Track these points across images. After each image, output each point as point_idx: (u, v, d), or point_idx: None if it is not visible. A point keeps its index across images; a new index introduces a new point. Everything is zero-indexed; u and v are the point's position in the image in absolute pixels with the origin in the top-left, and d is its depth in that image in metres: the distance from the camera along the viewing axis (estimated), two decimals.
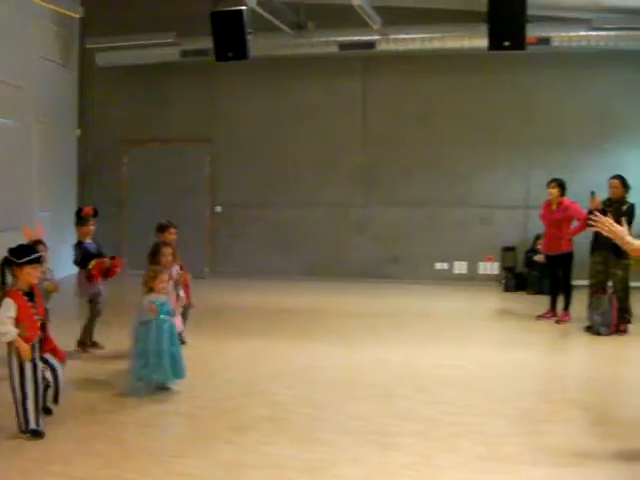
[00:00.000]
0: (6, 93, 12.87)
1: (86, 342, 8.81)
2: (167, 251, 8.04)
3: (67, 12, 13.38)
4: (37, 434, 5.76)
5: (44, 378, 5.91)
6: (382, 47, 13.35)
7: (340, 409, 6.70)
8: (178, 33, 13.87)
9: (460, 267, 14.33)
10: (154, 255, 7.97)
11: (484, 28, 10.70)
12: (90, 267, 8.48)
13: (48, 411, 6.13)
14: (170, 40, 13.97)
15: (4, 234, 12.11)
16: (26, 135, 13.80)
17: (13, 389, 5.75)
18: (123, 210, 15.55)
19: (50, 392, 6.03)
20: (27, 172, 13.90)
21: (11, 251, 5.82)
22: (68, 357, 6.68)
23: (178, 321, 7.91)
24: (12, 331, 5.61)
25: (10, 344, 5.71)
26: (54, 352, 6.10)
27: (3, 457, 5.49)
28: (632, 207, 9.58)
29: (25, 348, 5.65)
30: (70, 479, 5.09)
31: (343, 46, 13.53)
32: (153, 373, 7.01)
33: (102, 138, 15.75)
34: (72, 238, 12.72)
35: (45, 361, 5.94)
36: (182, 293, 8.52)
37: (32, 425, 5.76)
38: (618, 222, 5.30)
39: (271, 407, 6.73)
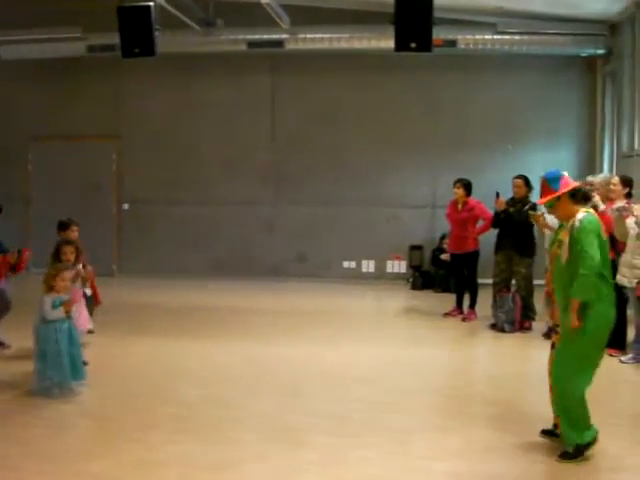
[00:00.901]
0: None
1: None
2: (68, 249, 7.84)
3: None
4: None
5: None
6: (290, 46, 13.41)
7: (247, 407, 6.70)
8: (85, 28, 13.63)
9: (368, 266, 14.46)
10: (56, 252, 7.80)
11: (391, 29, 10.81)
12: None
13: None
14: (77, 35, 13.73)
15: None
16: None
17: None
18: (29, 207, 15.22)
19: None
20: None
21: None
22: None
23: (85, 319, 7.79)
24: None
25: None
26: None
27: None
28: (534, 206, 9.82)
29: None
30: None
31: (251, 44, 13.52)
32: (54, 374, 6.88)
33: (7, 134, 15.35)
34: None
35: None
36: (89, 291, 8.41)
37: None
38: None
39: (178, 406, 6.69)
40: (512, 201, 10.24)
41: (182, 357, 8.57)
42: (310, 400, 6.95)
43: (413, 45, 10.78)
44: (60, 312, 6.93)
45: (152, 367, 8.14)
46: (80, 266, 8.03)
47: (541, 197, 5.65)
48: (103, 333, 8.82)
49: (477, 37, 12.85)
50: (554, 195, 5.45)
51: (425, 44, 10.77)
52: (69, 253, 7.82)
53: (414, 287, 13.79)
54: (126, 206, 15.17)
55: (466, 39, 12.85)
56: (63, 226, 8.79)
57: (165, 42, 11.95)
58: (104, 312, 9.09)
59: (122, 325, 10.13)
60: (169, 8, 11.82)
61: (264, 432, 5.99)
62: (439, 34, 11.46)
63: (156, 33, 11.39)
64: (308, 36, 13.28)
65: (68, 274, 7.19)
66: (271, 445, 5.69)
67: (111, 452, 5.53)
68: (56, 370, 6.87)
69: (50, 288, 7.05)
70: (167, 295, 13.02)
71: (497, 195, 10.16)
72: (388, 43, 11.53)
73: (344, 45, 13.24)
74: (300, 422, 6.24)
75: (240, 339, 9.55)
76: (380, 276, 14.39)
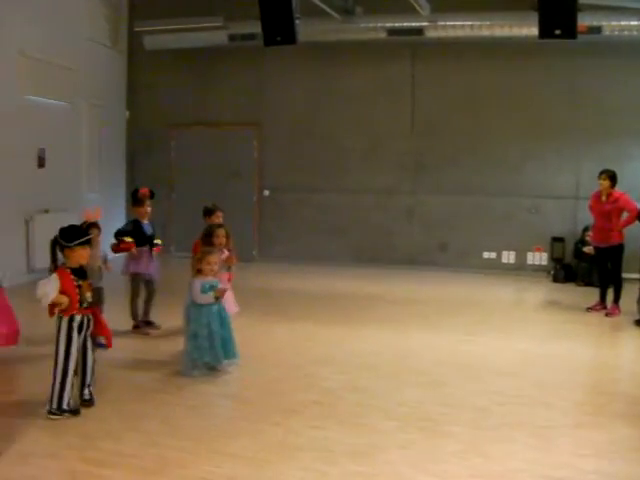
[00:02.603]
0: (58, 75, 12.99)
1: (138, 323, 8.92)
2: (221, 232, 8.04)
3: None
4: (74, 412, 5.83)
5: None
6: (430, 34, 13.19)
7: (388, 395, 6.66)
8: (226, 17, 13.85)
9: (508, 257, 14.17)
10: (208, 236, 7.97)
11: (534, 16, 10.54)
12: (124, 240, 8.50)
13: (91, 401, 6.12)
14: (218, 24, 13.95)
15: (54, 215, 12.34)
16: (76, 117, 13.91)
17: (55, 368, 5.78)
18: (171, 193, 15.59)
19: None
20: (77, 154, 14.02)
21: (61, 232, 5.87)
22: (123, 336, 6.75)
23: (231, 302, 7.90)
24: (50, 293, 5.63)
25: (56, 320, 5.77)
26: (101, 334, 6.14)
27: (51, 433, 5.55)
28: None
29: (63, 298, 5.67)
30: (119, 456, 5.12)
31: (391, 32, 13.41)
32: (204, 355, 7.04)
33: (151, 121, 15.84)
34: (120, 219, 12.88)
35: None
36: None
37: (64, 405, 5.80)
38: None
39: (319, 391, 6.71)
40: None
41: (320, 342, 8.63)
42: (450, 390, 6.85)
43: (557, 32, 10.47)
44: (209, 297, 7.06)
45: (291, 351, 8.20)
46: (226, 251, 8.15)
47: None
48: (243, 317, 8.92)
49: (622, 23, 12.36)
50: None
51: (570, 31, 10.45)
52: (221, 236, 8.00)
53: (555, 280, 13.44)
54: (267, 193, 15.32)
55: (611, 25, 12.38)
56: (209, 212, 9.00)
57: (305, 30, 11.97)
58: (245, 296, 9.19)
59: (262, 310, 10.22)
60: None
61: (404, 421, 5.93)
62: (583, 20, 11.10)
63: (297, 22, 11.44)
64: (448, 23, 13.04)
65: (214, 258, 7.29)
66: (411, 434, 5.63)
67: (251, 434, 5.59)
68: (206, 352, 7.03)
69: (198, 271, 7.19)
70: (306, 281, 13.11)
71: None
72: (531, 30, 11.28)
73: (485, 32, 12.94)
74: (440, 412, 6.16)
75: (378, 327, 9.50)
76: (520, 267, 14.08)
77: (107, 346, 6.31)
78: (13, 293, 7.97)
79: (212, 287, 7.15)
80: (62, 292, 5.67)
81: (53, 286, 5.64)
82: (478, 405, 6.40)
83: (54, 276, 5.71)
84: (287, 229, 15.14)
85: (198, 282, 7.13)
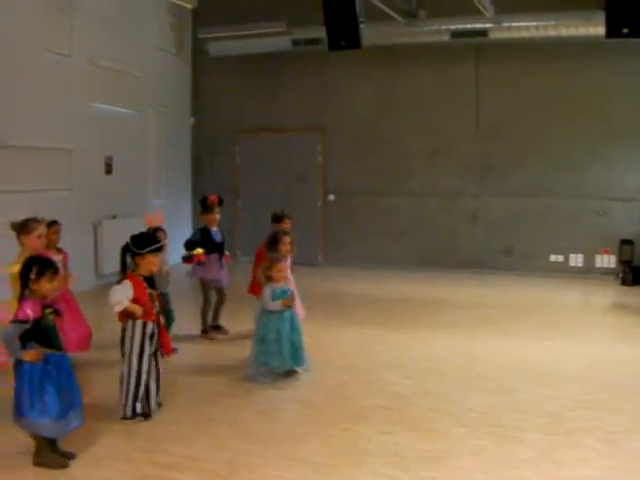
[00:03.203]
0: (125, 83, 13.20)
1: (206, 328, 9.00)
2: (287, 239, 8.01)
3: (181, 3, 13.56)
4: (145, 416, 5.92)
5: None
6: (495, 35, 13.05)
7: (458, 400, 6.61)
8: (289, 22, 13.90)
9: (576, 260, 13.96)
10: (274, 243, 7.92)
11: (600, 15, 10.38)
12: (194, 253, 8.56)
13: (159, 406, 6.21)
14: (281, 29, 14.01)
15: (121, 220, 12.54)
16: (142, 124, 14.12)
17: (129, 375, 5.85)
18: (236, 198, 15.68)
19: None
20: (143, 160, 14.23)
21: (133, 239, 5.93)
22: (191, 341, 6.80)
23: (299, 308, 7.92)
24: (124, 301, 5.71)
25: (130, 327, 5.84)
26: (162, 345, 6.20)
27: (123, 436, 5.64)
28: None
29: (137, 308, 5.74)
30: (189, 460, 5.18)
31: (455, 34, 13.31)
32: (272, 360, 7.07)
33: (215, 127, 15.99)
34: (186, 225, 13.03)
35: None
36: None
37: (138, 410, 5.89)
38: None
39: (388, 396, 6.69)
40: None
41: (387, 347, 8.60)
42: (519, 395, 6.77)
43: (625, 30, 10.30)
44: (279, 305, 7.11)
45: (358, 356, 8.18)
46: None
47: None
48: (309, 322, 8.92)
49: None
50: None
51: (637, 29, 10.27)
52: (287, 244, 7.96)
53: (624, 283, 13.20)
54: (332, 197, 15.34)
55: None
56: (277, 219, 9.00)
57: (369, 34, 11.96)
58: (311, 301, 9.21)
59: (328, 314, 10.21)
60: (373, 0, 11.85)
61: (474, 426, 5.88)
62: None
63: (361, 26, 11.44)
64: (513, 24, 12.88)
65: (282, 265, 7.34)
66: (482, 440, 5.59)
67: (320, 439, 5.60)
68: (273, 356, 7.06)
69: (268, 279, 7.23)
70: (371, 285, 13.05)
71: None
72: (597, 29, 11.11)
73: (551, 32, 12.76)
74: (511, 418, 6.10)
75: (444, 331, 9.43)
76: (588, 271, 13.86)
77: (168, 352, 6.36)
78: (82, 297, 8.11)
79: (283, 292, 7.20)
80: (135, 300, 5.74)
81: (127, 293, 5.72)
82: (548, 410, 6.31)
83: (127, 282, 5.78)
84: (352, 233, 15.12)
85: (269, 289, 7.18)
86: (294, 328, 7.22)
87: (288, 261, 8.06)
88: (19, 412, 4.90)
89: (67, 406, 4.98)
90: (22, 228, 6.50)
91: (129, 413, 5.85)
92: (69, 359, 5.16)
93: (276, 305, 7.12)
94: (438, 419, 6.07)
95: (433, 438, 5.63)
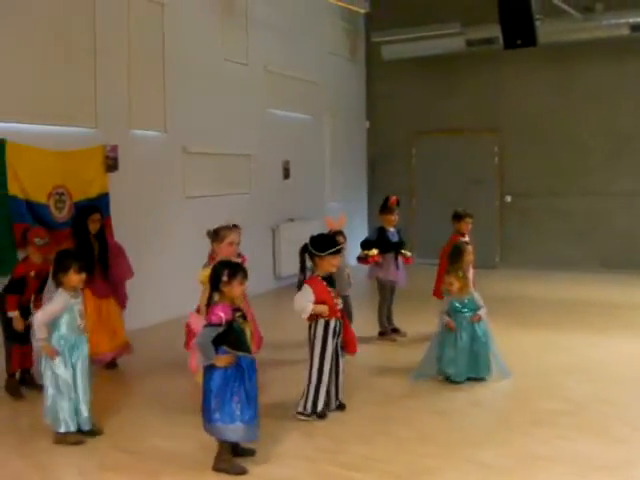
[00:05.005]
0: (300, 88, 13.48)
1: (384, 331, 9.06)
2: (470, 249, 7.88)
3: (354, 8, 13.76)
4: (321, 416, 6.03)
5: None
6: None
7: (638, 408, 6.42)
8: (462, 22, 13.84)
9: None
10: (457, 255, 7.72)
11: None
12: (369, 254, 8.64)
13: (341, 406, 6.31)
14: (455, 30, 13.94)
15: (298, 224, 12.82)
16: (318, 128, 14.40)
17: (310, 371, 6.01)
18: (412, 200, 15.71)
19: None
20: (319, 164, 14.51)
21: (312, 240, 6.07)
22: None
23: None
24: (309, 305, 5.86)
25: (314, 325, 6.00)
26: (348, 340, 6.27)
27: (302, 435, 5.79)
28: None
29: (323, 308, 5.88)
30: (370, 460, 5.26)
31: (634, 28, 12.83)
32: (446, 366, 7.10)
33: (390, 129, 16.08)
34: (362, 227, 13.18)
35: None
36: None
37: (319, 408, 6.02)
38: None
39: (567, 401, 6.57)
40: None
41: (565, 351, 8.41)
42: None
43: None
44: (447, 319, 7.17)
45: (537, 360, 8.05)
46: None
47: None
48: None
49: None
50: None
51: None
52: (470, 253, 7.85)
53: None
54: (509, 198, 15.13)
55: None
56: (458, 217, 8.99)
57: (544, 31, 11.78)
58: (487, 303, 9.12)
59: (506, 317, 10.03)
60: None
61: None
62: None
63: (537, 23, 11.27)
64: None
65: (457, 277, 7.35)
66: None
67: (502, 443, 5.57)
68: (449, 363, 7.09)
69: (449, 290, 7.29)
70: (550, 288, 12.74)
71: None
72: None
73: None
74: None
75: (627, 336, 9.07)
76: None
77: (352, 352, 6.40)
78: (261, 298, 8.33)
79: (467, 303, 7.27)
80: (318, 300, 5.89)
81: (308, 297, 5.88)
82: None
83: (306, 287, 5.94)
84: (529, 235, 14.85)
85: (447, 300, 7.29)
86: (475, 338, 7.17)
87: (471, 272, 8.02)
88: (209, 418, 5.01)
89: (255, 410, 5.08)
90: (215, 235, 6.76)
91: (308, 410, 5.99)
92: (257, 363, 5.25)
93: (450, 322, 7.15)
94: (619, 426, 5.91)
95: (614, 445, 5.50)
